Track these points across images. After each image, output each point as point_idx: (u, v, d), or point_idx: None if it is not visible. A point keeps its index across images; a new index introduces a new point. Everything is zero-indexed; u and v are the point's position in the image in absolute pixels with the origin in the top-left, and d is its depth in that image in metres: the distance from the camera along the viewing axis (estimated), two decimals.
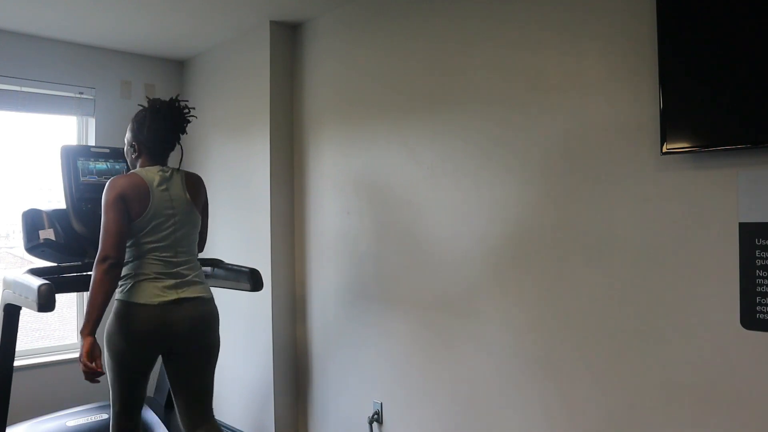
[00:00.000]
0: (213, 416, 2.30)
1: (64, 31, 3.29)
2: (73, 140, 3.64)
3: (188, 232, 2.24)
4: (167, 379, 2.29)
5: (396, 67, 2.71)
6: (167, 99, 2.25)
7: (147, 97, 2.29)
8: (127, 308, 2.08)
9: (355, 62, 2.92)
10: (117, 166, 2.61)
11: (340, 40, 3.01)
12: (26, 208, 2.43)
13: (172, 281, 2.14)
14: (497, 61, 2.31)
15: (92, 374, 1.95)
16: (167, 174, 2.21)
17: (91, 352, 1.95)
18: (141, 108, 2.25)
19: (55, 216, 2.44)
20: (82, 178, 2.46)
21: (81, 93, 3.54)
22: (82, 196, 2.43)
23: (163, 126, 2.21)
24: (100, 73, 3.60)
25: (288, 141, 3.29)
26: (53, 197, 3.64)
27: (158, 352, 2.18)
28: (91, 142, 3.61)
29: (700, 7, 1.70)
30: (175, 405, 2.28)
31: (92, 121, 3.61)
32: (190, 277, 2.20)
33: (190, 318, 2.16)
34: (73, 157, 2.49)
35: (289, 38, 3.29)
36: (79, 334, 2.01)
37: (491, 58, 2.33)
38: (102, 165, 2.53)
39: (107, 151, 2.59)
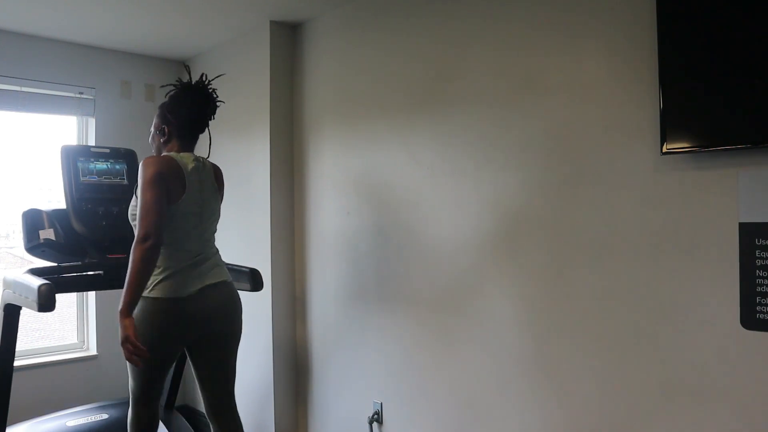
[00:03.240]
0: (235, 404, 2.32)
1: (64, 31, 3.29)
2: (73, 140, 3.63)
3: (212, 222, 2.25)
4: (192, 371, 2.29)
5: (396, 67, 2.71)
6: (197, 80, 2.22)
7: (179, 78, 2.24)
8: (159, 305, 2.04)
9: (355, 62, 2.92)
10: (117, 166, 2.61)
11: (340, 40, 3.01)
12: (26, 208, 2.43)
13: (197, 269, 2.13)
14: (497, 61, 2.31)
15: (138, 355, 1.88)
16: (200, 162, 2.20)
17: (134, 329, 1.89)
18: (172, 88, 2.21)
19: (55, 216, 2.43)
20: (82, 178, 2.46)
21: (81, 93, 3.54)
22: (82, 196, 2.43)
23: (197, 105, 2.19)
24: (100, 73, 3.60)
25: (288, 141, 3.29)
26: (53, 197, 3.64)
27: (183, 344, 2.19)
28: (91, 142, 3.61)
29: (700, 7, 1.70)
30: (200, 393, 2.28)
31: (92, 121, 3.61)
32: (212, 263, 2.20)
33: (218, 303, 2.18)
34: (73, 157, 2.48)
35: (289, 38, 3.29)
36: (118, 315, 1.90)
37: (491, 58, 2.33)
38: (102, 165, 2.53)
39: (107, 151, 2.59)
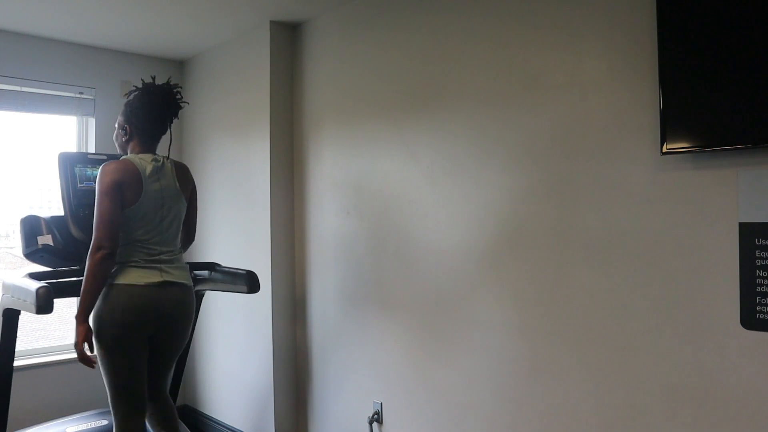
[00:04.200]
0: (167, 390, 2.43)
1: (64, 31, 3.29)
2: (73, 140, 3.64)
3: (175, 222, 2.30)
4: None
5: (396, 66, 2.71)
6: (161, 83, 2.29)
7: (142, 80, 2.31)
8: (114, 289, 2.12)
9: (355, 62, 2.92)
10: None
11: (340, 39, 3.01)
12: (25, 215, 2.46)
13: (156, 265, 2.20)
14: (497, 59, 2.31)
15: (86, 360, 2.08)
16: (159, 163, 2.25)
17: (85, 337, 2.06)
18: (134, 89, 2.27)
19: (53, 222, 2.47)
20: (79, 185, 2.49)
21: (81, 93, 3.54)
22: (80, 203, 2.45)
23: (157, 108, 2.25)
24: (100, 73, 3.60)
25: (288, 141, 3.29)
26: (53, 197, 3.64)
27: (146, 334, 2.20)
28: (91, 142, 3.62)
29: (701, 6, 1.70)
30: None
31: (92, 121, 3.61)
32: (173, 263, 2.26)
33: (174, 301, 2.23)
34: (70, 164, 2.51)
35: (289, 38, 3.28)
36: (75, 320, 2.07)
37: (491, 56, 2.33)
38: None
39: (104, 158, 2.62)
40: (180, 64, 3.95)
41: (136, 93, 2.26)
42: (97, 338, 2.13)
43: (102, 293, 2.12)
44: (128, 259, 2.16)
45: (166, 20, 3.16)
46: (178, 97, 2.30)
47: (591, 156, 2.02)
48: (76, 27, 3.23)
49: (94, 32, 3.33)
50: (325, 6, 2.99)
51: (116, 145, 2.36)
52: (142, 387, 2.21)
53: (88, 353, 2.09)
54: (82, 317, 2.05)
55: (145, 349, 2.21)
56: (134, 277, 2.14)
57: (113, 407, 2.18)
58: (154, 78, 2.33)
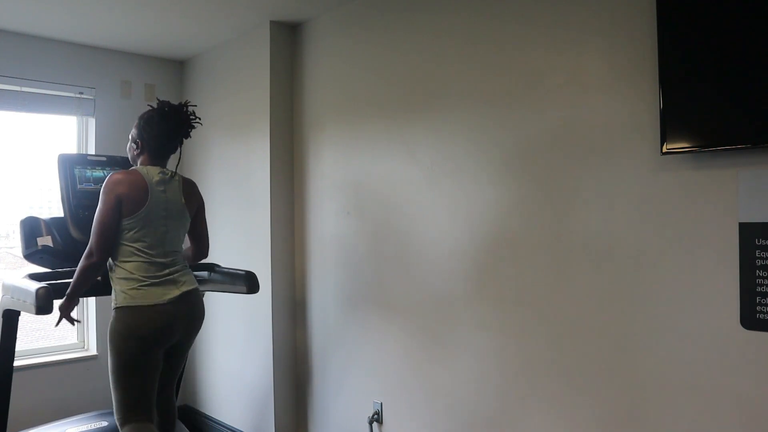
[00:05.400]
0: (173, 393, 2.49)
1: (64, 31, 3.29)
2: (73, 140, 3.63)
3: (178, 233, 2.34)
4: None
5: (396, 66, 2.71)
6: (177, 103, 2.33)
7: (157, 98, 2.36)
8: (137, 312, 2.14)
9: (355, 62, 2.92)
10: None
11: (340, 39, 3.01)
12: (24, 216, 2.47)
13: (170, 278, 2.23)
14: (497, 59, 2.31)
15: (69, 319, 2.25)
16: (167, 176, 2.29)
17: (69, 309, 2.23)
18: (150, 108, 2.33)
19: (53, 224, 2.49)
20: (79, 186, 2.49)
21: (81, 93, 3.54)
22: (79, 204, 2.46)
23: (168, 129, 2.29)
24: (100, 73, 3.60)
25: (288, 141, 3.29)
26: (53, 198, 3.64)
27: (167, 346, 2.26)
28: (91, 142, 3.62)
29: (700, 6, 1.70)
30: None
31: (92, 121, 3.61)
32: (180, 273, 2.30)
33: (191, 309, 2.30)
34: (70, 165, 2.52)
35: (289, 38, 3.28)
36: (65, 296, 2.20)
37: (492, 56, 2.33)
38: (99, 173, 2.56)
39: (104, 159, 2.63)
40: (180, 64, 3.95)
41: (149, 112, 2.30)
42: (115, 355, 2.14)
43: (120, 315, 2.14)
44: (142, 277, 2.17)
45: (166, 20, 3.16)
46: (192, 118, 2.34)
47: (591, 156, 2.02)
48: (76, 27, 3.23)
49: (94, 32, 3.33)
50: (325, 6, 2.99)
51: (129, 156, 2.40)
52: (152, 401, 2.23)
53: (75, 317, 2.27)
54: (71, 296, 2.19)
55: (161, 362, 2.25)
56: (154, 295, 2.16)
57: (118, 418, 2.17)
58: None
